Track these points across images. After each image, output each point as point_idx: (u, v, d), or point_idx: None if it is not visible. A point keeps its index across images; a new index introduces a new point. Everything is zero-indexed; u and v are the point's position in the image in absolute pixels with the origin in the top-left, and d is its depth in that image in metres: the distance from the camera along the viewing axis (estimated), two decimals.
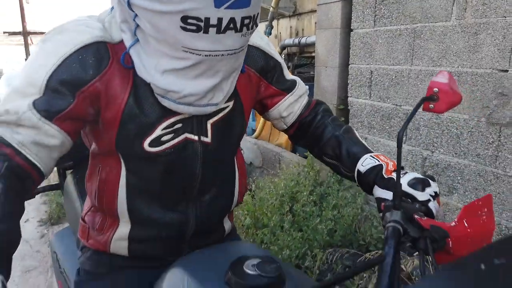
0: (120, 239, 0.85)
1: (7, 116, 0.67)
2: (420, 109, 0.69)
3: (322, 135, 0.91)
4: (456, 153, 1.85)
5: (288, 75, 0.94)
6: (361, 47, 2.33)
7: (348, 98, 2.50)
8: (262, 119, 3.52)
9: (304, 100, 0.95)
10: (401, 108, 2.12)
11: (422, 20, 1.94)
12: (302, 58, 3.85)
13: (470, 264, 0.38)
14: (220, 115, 0.80)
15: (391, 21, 2.11)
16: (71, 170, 1.61)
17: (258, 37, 0.89)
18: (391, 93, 2.17)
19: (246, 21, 0.62)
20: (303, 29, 3.68)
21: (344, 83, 2.52)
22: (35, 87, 0.68)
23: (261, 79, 0.88)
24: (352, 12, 2.37)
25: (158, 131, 0.74)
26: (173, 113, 0.73)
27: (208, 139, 0.79)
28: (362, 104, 2.38)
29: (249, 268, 0.67)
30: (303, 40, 3.35)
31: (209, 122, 0.79)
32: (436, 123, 1.93)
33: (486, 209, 0.71)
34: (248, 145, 3.62)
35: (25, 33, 20.12)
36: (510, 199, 1.64)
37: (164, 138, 0.75)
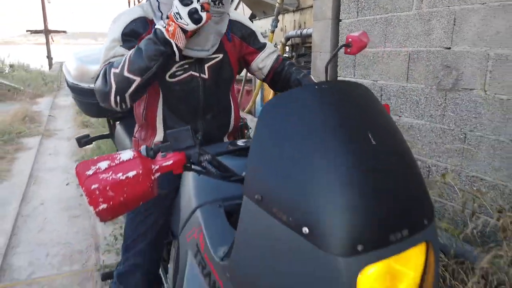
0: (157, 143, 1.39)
1: (109, 58, 1.21)
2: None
3: (289, 80, 1.43)
4: (416, 116, 2.34)
5: (262, 39, 1.46)
6: (347, 34, 2.83)
7: (338, 77, 2.99)
8: None
9: (274, 56, 1.47)
10: (377, 82, 2.62)
11: (392, 10, 2.43)
12: (304, 48, 4.34)
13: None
14: (213, 61, 1.33)
15: (369, 12, 2.61)
16: (118, 122, 2.15)
17: (240, 15, 1.43)
18: (370, 71, 2.67)
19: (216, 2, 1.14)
20: (305, 22, 4.18)
21: (334, 64, 3.01)
22: (116, 41, 1.22)
23: (242, 42, 1.41)
24: (341, 6, 2.87)
25: (174, 69, 1.27)
26: (184, 58, 1.26)
27: (206, 76, 1.32)
28: None
29: None
30: (304, 31, 3.85)
31: (206, 65, 1.31)
32: (402, 92, 2.42)
33: None
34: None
35: (46, 32, 20.97)
36: (450, 145, 2.12)
37: (177, 73, 1.28)
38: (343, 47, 1.21)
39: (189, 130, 0.85)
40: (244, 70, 1.64)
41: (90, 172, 0.77)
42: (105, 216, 0.77)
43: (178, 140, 0.86)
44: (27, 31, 22.90)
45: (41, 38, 22.05)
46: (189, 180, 1.19)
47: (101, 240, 2.62)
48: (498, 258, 1.31)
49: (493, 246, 1.41)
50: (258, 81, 4.95)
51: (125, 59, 1.12)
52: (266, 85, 3.92)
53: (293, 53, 4.43)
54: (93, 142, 2.21)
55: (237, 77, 5.13)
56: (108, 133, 2.29)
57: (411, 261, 0.72)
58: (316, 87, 0.82)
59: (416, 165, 0.81)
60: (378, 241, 0.66)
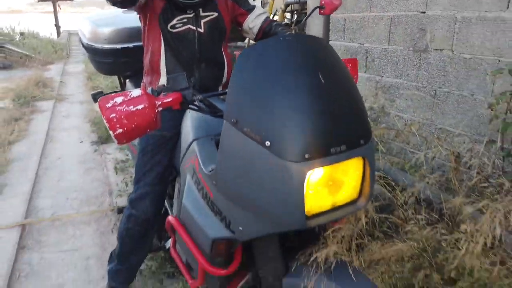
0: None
1: None
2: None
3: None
4: (395, 76, 2.58)
5: (251, 2, 1.70)
6: None
7: (330, 41, 3.20)
8: None
9: (263, 17, 1.70)
10: (363, 45, 2.83)
11: None
12: (303, 14, 4.50)
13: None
14: (209, 18, 1.57)
15: None
16: (128, 80, 2.42)
17: None
18: (357, 35, 2.88)
19: None
20: None
21: (326, 30, 3.22)
22: None
23: (234, 4, 1.64)
24: None
25: (174, 21, 1.52)
26: (183, 13, 1.50)
27: (201, 30, 1.57)
28: (338, 45, 3.09)
29: None
30: None
31: (202, 21, 1.56)
32: (384, 54, 2.64)
33: (351, 65, 1.45)
34: None
35: (54, 0, 20.95)
36: (423, 100, 2.37)
37: (177, 26, 1.53)
38: (317, 9, 1.45)
39: (185, 75, 1.12)
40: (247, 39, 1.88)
41: (109, 105, 1.03)
42: (121, 139, 1.04)
43: (176, 82, 1.13)
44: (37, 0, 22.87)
45: (48, 6, 22.00)
46: (187, 120, 1.47)
47: (113, 186, 2.95)
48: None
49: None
50: None
51: None
52: None
53: (292, 20, 4.59)
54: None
55: (239, 44, 5.33)
56: (119, 90, 2.55)
57: (349, 172, 0.99)
58: (282, 38, 1.07)
59: (360, 98, 1.07)
60: (321, 152, 0.91)
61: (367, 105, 2.83)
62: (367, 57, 2.82)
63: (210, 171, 1.13)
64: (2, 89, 6.31)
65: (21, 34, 12.20)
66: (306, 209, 0.92)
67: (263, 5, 5.41)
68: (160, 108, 1.08)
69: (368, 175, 1.02)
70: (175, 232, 1.42)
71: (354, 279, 1.05)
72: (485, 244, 1.06)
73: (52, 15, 20.73)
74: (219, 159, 1.05)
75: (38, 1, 23.43)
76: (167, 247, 1.81)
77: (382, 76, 2.69)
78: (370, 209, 1.32)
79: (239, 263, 1.20)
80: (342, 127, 0.97)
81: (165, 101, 1.09)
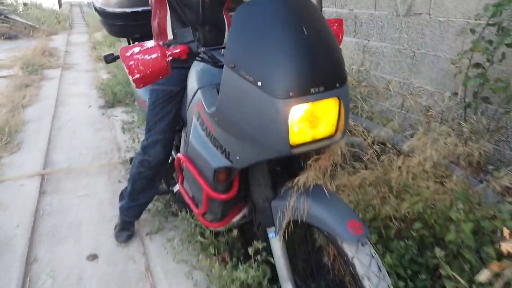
0: None
1: None
2: None
3: None
4: (380, 39, 2.78)
5: None
6: None
7: (323, 8, 3.38)
8: None
9: None
10: (353, 11, 3.01)
11: None
12: None
13: None
14: None
15: None
16: (137, 42, 2.63)
17: None
18: (348, 1, 3.05)
19: None
20: None
21: None
22: None
23: None
24: None
25: None
26: None
27: None
28: (331, 11, 3.27)
29: None
30: None
31: None
32: (371, 19, 2.83)
33: (337, 24, 1.65)
34: None
35: None
36: (404, 62, 2.58)
37: None
38: None
39: (190, 30, 1.34)
40: None
41: (128, 54, 1.26)
42: (138, 83, 1.27)
43: (182, 37, 1.35)
44: None
45: None
46: (193, 74, 1.69)
47: (121, 144, 3.22)
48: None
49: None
50: None
51: None
52: None
53: None
54: (116, 61, 2.70)
55: None
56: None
57: (327, 110, 1.21)
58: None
59: (338, 49, 1.28)
60: (303, 91, 1.13)
61: (355, 67, 3.05)
62: (355, 22, 3.01)
63: (213, 111, 1.37)
64: (10, 58, 6.51)
65: (24, 4, 12.25)
66: (290, 140, 1.15)
67: None
68: (171, 58, 1.29)
69: (343, 114, 1.23)
70: (183, 169, 1.68)
71: (327, 196, 1.30)
72: (423, 167, 1.32)
73: None
74: (219, 100, 1.27)
75: None
76: (174, 191, 2.09)
77: (368, 40, 2.89)
78: (343, 145, 1.57)
79: (237, 191, 1.46)
80: (321, 72, 1.18)
81: (174, 51, 1.31)
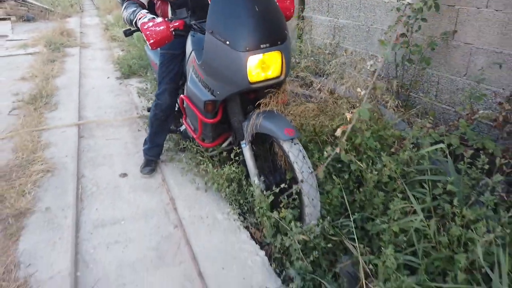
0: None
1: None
2: None
3: None
4: (345, 18, 3.45)
5: None
6: None
7: None
8: None
9: None
10: None
11: None
12: None
13: None
14: None
15: None
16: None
17: None
18: None
19: None
20: None
21: None
22: None
23: None
24: None
25: None
26: None
27: None
28: None
29: None
30: None
31: None
32: (339, 1, 3.50)
33: (289, 1, 2.36)
34: None
35: None
36: (362, 35, 3.26)
37: None
38: None
39: (185, 10, 2.06)
40: None
41: (145, 27, 1.99)
42: (153, 46, 2.01)
43: (180, 14, 2.07)
44: None
45: None
46: (189, 42, 2.41)
47: (138, 104, 3.95)
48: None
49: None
50: None
51: (127, 14, 2.25)
52: None
53: None
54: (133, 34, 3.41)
55: None
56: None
57: (273, 60, 1.94)
58: None
59: (282, 19, 2.00)
60: (255, 46, 1.86)
61: (327, 41, 3.74)
62: (328, 4, 3.68)
63: (201, 63, 2.10)
64: (32, 38, 7.23)
65: None
66: (249, 79, 1.88)
67: None
68: (173, 28, 2.03)
69: (284, 63, 1.96)
70: (185, 108, 2.42)
71: (276, 115, 2.02)
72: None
73: None
74: (204, 54, 2.00)
75: None
76: (181, 130, 2.83)
77: (338, 19, 3.57)
78: (299, 90, 2.29)
79: (221, 117, 2.19)
80: (267, 34, 1.89)
81: (175, 24, 2.04)
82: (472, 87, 2.37)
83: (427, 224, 1.54)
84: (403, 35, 2.60)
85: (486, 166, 1.71)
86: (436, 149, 1.91)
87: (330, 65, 2.91)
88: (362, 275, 1.50)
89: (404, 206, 1.65)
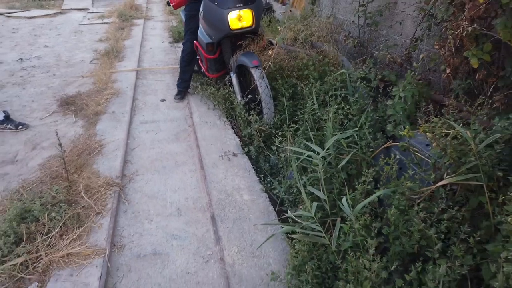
0: None
1: None
2: None
3: None
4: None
5: None
6: None
7: None
8: None
9: None
10: None
11: None
12: None
13: None
14: None
15: None
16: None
17: None
18: None
19: None
20: None
21: None
22: None
23: None
24: None
25: None
26: None
27: None
28: None
29: None
30: None
31: None
32: None
33: None
34: (282, 10, 6.31)
35: None
36: (348, 6, 4.19)
37: None
38: None
39: None
40: None
41: None
42: (175, 7, 3.23)
43: None
44: None
45: None
46: (201, 5, 3.56)
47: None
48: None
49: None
50: None
51: None
52: None
53: None
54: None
55: None
56: None
57: (246, 15, 3.04)
58: None
59: None
60: (233, 6, 2.99)
61: (327, 12, 4.70)
62: None
63: (202, 17, 3.26)
64: (107, 11, 8.83)
65: None
66: (230, 27, 3.00)
67: None
68: None
69: (255, 17, 3.06)
70: (197, 50, 3.61)
71: (252, 54, 3.12)
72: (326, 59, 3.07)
73: None
74: (203, 12, 3.17)
75: None
76: (201, 70, 4.04)
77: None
78: (282, 51, 3.35)
79: (218, 55, 3.35)
80: None
81: None
82: (405, 41, 3.28)
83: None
84: (362, 5, 3.53)
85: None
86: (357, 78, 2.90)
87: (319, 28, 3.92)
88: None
89: (315, 109, 2.70)
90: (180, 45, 6.14)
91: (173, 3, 3.12)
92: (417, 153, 1.87)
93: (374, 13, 3.47)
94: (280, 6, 6.70)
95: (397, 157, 1.80)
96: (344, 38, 3.82)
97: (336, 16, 4.50)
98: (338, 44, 4.00)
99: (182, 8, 3.79)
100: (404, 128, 1.85)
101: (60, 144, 2.34)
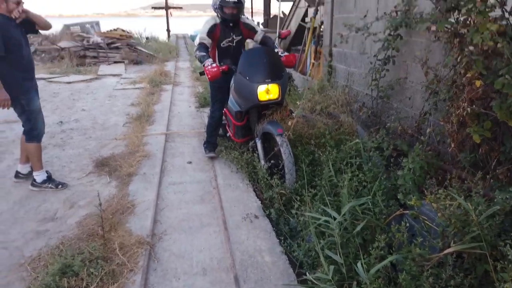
0: None
1: (200, 41, 4.00)
2: None
3: (268, 43, 4.09)
4: (354, 67, 4.77)
5: (257, 28, 4.10)
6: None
7: (332, 49, 5.44)
8: (312, 66, 6.67)
9: (262, 34, 4.08)
10: (343, 51, 5.05)
11: None
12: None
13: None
14: (238, 38, 4.00)
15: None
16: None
17: (248, 19, 4.08)
18: (343, 46, 5.10)
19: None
20: None
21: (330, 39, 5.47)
22: (204, 33, 3.98)
23: (249, 30, 4.05)
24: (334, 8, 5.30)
25: (223, 42, 3.98)
26: (227, 38, 3.99)
27: (234, 45, 4.00)
28: (335, 50, 5.33)
29: None
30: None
31: (235, 40, 3.99)
32: (350, 55, 4.84)
33: (292, 56, 3.84)
34: (301, 79, 6.78)
35: (167, 8, 25.22)
36: (361, 79, 4.54)
37: (223, 43, 3.96)
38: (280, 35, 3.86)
39: (230, 60, 3.65)
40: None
41: (206, 68, 3.60)
42: (210, 79, 3.61)
43: (226, 61, 3.67)
44: (152, 7, 27.76)
45: (159, 11, 26.59)
46: (232, 79, 3.97)
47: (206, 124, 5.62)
48: None
49: None
50: (306, 51, 7.51)
51: (197, 52, 3.88)
52: (313, 53, 6.67)
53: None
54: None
55: (298, 47, 8.19)
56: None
57: (275, 89, 3.40)
58: (258, 48, 3.55)
59: (282, 66, 3.50)
60: (263, 81, 3.37)
61: (342, 83, 5.08)
62: (345, 57, 5.04)
63: (233, 89, 3.65)
64: (139, 76, 9.58)
65: (147, 38, 16.07)
66: (259, 98, 3.36)
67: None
68: (221, 69, 3.60)
69: (281, 91, 3.42)
70: (226, 117, 3.96)
71: (275, 123, 3.44)
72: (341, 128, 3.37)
73: (161, 19, 24.87)
74: (234, 84, 3.57)
75: (153, 9, 28.21)
76: (227, 135, 4.37)
77: (350, 67, 4.90)
78: (300, 120, 3.68)
79: (245, 122, 3.68)
80: (270, 74, 3.40)
81: (223, 67, 3.63)
82: (415, 113, 3.53)
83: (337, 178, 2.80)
84: (375, 80, 3.86)
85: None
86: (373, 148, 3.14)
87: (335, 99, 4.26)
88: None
89: (331, 176, 2.91)
90: (206, 110, 6.62)
91: (209, 76, 3.52)
92: (426, 221, 2.04)
93: (386, 87, 3.79)
94: (299, 75, 7.21)
95: (408, 224, 1.96)
96: (359, 108, 4.12)
97: (352, 87, 4.86)
98: (353, 114, 4.30)
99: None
100: (413, 197, 2.04)
101: (100, 204, 2.60)
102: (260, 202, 3.32)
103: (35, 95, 3.50)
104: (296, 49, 8.57)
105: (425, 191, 1.95)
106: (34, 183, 3.61)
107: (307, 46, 7.56)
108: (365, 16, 4.14)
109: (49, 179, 3.65)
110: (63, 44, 12.19)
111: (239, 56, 4.18)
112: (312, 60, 7.16)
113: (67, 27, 14.34)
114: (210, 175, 3.95)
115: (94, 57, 12.04)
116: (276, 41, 6.13)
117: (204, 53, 3.67)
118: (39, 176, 3.61)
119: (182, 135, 5.28)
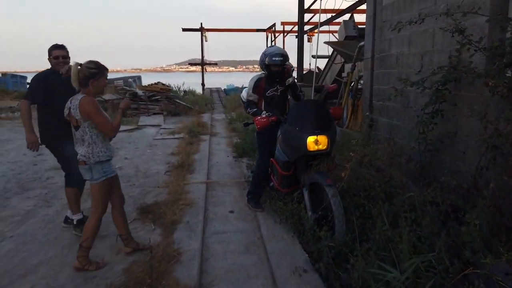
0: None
1: (248, 97, 4.16)
2: None
3: (300, 98, 4.18)
4: (397, 120, 4.76)
5: (296, 84, 4.23)
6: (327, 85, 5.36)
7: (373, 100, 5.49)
8: (350, 119, 6.73)
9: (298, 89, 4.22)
10: (385, 103, 5.08)
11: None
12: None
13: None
14: (282, 89, 4.12)
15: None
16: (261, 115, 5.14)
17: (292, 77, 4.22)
18: (383, 97, 5.14)
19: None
20: None
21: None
22: (251, 89, 4.15)
23: (290, 85, 4.19)
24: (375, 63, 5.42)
25: (268, 91, 4.10)
26: (272, 88, 4.11)
27: (278, 94, 4.11)
28: (378, 104, 5.37)
29: None
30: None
31: (279, 90, 4.12)
32: (392, 108, 4.85)
33: (338, 108, 3.90)
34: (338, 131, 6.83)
35: (203, 64, 26.55)
36: (405, 132, 4.50)
37: (268, 93, 4.09)
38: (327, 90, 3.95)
39: (278, 110, 3.74)
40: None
41: (256, 119, 3.70)
42: (259, 130, 3.70)
43: (274, 111, 3.76)
44: (189, 64, 29.33)
45: (193, 67, 27.99)
46: (279, 129, 4.05)
47: (246, 173, 5.64)
48: None
49: None
50: (343, 104, 7.60)
51: (249, 110, 4.05)
52: (350, 106, 6.77)
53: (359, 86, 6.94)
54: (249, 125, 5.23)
55: (334, 101, 8.35)
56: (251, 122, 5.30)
57: (322, 139, 3.43)
58: (305, 101, 3.64)
59: (330, 117, 3.55)
60: (312, 132, 3.42)
61: (385, 136, 5.03)
62: (387, 110, 5.05)
63: (280, 139, 3.69)
64: (178, 127, 9.91)
65: (185, 91, 16.81)
66: (308, 148, 3.38)
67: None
68: (271, 120, 3.69)
69: (329, 141, 3.43)
70: (272, 167, 3.97)
71: (323, 172, 3.41)
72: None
73: (195, 74, 26.05)
74: (282, 134, 3.63)
75: (190, 65, 29.71)
76: (270, 184, 4.36)
77: (392, 120, 4.89)
78: (347, 171, 3.66)
79: (292, 172, 3.68)
80: (320, 126, 3.46)
81: (272, 118, 3.71)
82: (468, 168, 3.42)
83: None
84: (422, 133, 3.82)
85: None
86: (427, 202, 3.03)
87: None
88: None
89: (385, 229, 2.80)
90: (243, 160, 6.70)
91: (258, 126, 3.59)
92: (500, 282, 1.89)
93: (435, 140, 3.72)
94: (336, 127, 7.23)
95: (482, 285, 1.83)
96: (406, 161, 4.04)
97: (395, 140, 4.81)
98: (400, 167, 4.21)
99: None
100: (484, 256, 1.92)
101: (150, 252, 2.59)
102: (307, 255, 3.21)
103: (71, 142, 3.57)
104: (332, 102, 8.71)
105: (501, 248, 1.83)
106: (74, 226, 3.76)
107: (344, 99, 7.67)
108: (419, 71, 4.18)
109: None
110: (107, 96, 12.92)
111: (284, 105, 4.27)
112: (350, 113, 7.23)
113: (111, 81, 15.29)
114: (253, 225, 3.89)
115: (135, 108, 12.64)
116: (312, 95, 6.30)
117: (255, 109, 3.99)
118: (76, 219, 3.76)
119: (222, 184, 5.31)
